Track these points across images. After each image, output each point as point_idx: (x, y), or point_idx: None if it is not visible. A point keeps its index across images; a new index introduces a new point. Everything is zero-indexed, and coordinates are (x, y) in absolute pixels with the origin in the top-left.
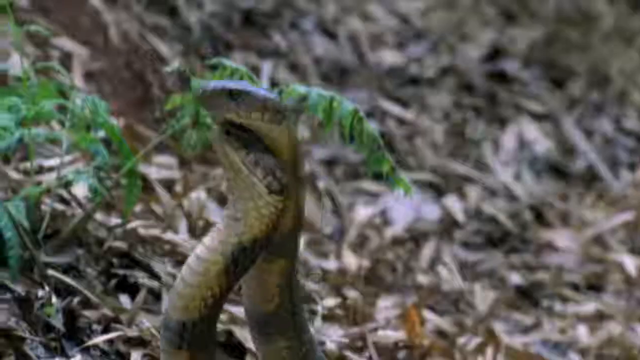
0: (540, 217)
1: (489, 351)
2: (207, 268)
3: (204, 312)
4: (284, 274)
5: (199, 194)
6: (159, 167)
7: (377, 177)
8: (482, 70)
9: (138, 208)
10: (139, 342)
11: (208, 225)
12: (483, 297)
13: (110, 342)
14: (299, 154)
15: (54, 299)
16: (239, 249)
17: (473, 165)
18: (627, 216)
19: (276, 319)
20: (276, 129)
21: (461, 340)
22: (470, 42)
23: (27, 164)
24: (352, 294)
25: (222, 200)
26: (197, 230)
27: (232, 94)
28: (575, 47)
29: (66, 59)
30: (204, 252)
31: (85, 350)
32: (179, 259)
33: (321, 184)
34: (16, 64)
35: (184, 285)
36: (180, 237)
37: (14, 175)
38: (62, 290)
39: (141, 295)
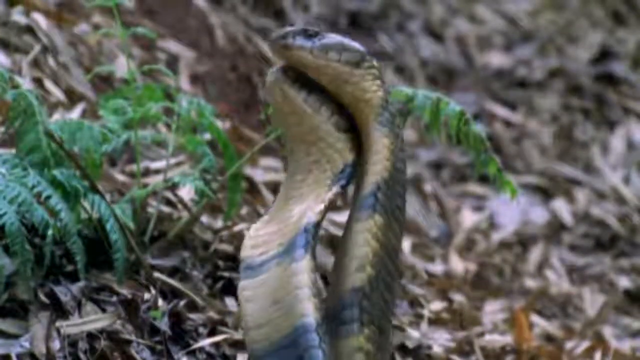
0: None
1: (598, 356)
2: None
3: None
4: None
5: None
6: (264, 170)
7: (484, 179)
8: (591, 72)
9: (244, 210)
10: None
11: None
12: (591, 301)
13: (217, 345)
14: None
15: (159, 302)
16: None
17: (581, 168)
18: None
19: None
20: (357, 72)
21: (569, 344)
22: (579, 44)
23: (133, 167)
24: (458, 297)
25: None
26: None
27: (309, 34)
28: None
29: (172, 61)
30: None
31: (191, 354)
32: None
33: (427, 187)
34: (122, 66)
35: None
36: None
37: (120, 177)
38: (168, 293)
39: None
